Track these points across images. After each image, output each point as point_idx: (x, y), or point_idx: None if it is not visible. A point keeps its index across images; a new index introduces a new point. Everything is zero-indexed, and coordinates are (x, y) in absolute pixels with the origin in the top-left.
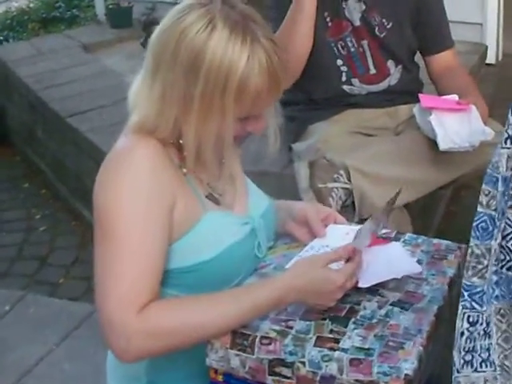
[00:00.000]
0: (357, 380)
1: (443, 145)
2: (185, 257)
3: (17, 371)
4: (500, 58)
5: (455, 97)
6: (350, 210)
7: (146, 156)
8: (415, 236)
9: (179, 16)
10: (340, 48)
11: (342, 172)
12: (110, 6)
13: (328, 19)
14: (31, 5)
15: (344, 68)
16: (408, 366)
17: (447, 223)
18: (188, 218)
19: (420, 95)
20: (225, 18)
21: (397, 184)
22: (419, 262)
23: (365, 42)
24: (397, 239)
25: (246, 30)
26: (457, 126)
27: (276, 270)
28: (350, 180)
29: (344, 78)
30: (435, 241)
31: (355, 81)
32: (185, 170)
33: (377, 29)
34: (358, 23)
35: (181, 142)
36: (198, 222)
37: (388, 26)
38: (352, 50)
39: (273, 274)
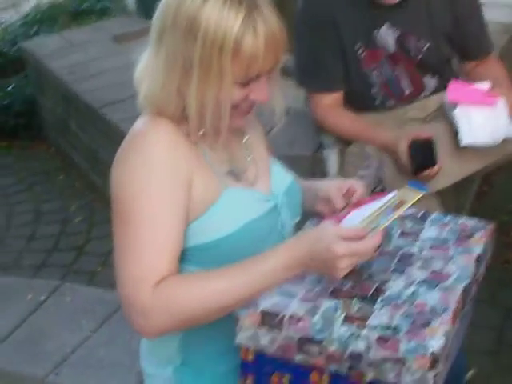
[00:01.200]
0: (384, 357)
1: (465, 140)
2: (205, 233)
3: (54, 359)
4: None
5: (486, 84)
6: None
7: (159, 136)
8: (442, 215)
9: None
10: (375, 77)
11: (372, 159)
12: None
13: (360, 51)
14: None
15: (378, 95)
16: (435, 344)
17: (479, 203)
18: (207, 195)
19: (449, 86)
20: None
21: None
22: (446, 241)
23: (401, 66)
24: (424, 218)
25: None
26: (482, 121)
27: None
28: (380, 168)
29: (378, 103)
30: (462, 219)
31: (390, 102)
32: (194, 139)
33: (413, 52)
34: (392, 49)
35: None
36: (218, 198)
37: (424, 48)
38: (387, 77)
39: None
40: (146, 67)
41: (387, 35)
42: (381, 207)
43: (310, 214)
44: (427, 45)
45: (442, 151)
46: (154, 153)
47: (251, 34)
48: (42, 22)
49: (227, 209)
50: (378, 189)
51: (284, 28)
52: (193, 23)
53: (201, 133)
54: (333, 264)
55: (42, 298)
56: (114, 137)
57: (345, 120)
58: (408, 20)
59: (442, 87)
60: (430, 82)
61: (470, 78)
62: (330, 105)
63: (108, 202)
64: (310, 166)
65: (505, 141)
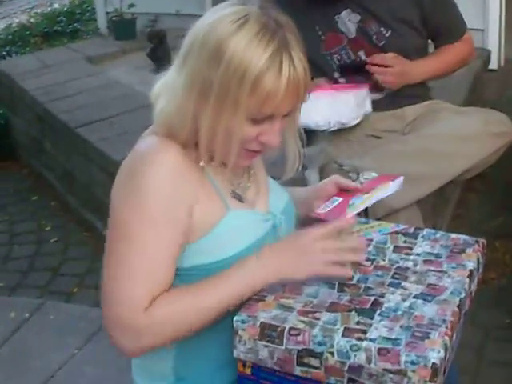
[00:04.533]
0: (385, 369)
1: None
2: (207, 254)
3: (40, 377)
4: (502, 63)
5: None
6: (362, 211)
7: (167, 159)
8: (433, 231)
9: (217, 8)
10: (336, 61)
11: (352, 175)
12: (114, 18)
13: (320, 33)
14: (32, 20)
15: (342, 80)
16: (435, 355)
17: (455, 225)
18: (210, 218)
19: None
20: (258, 17)
21: (408, 181)
22: (439, 255)
23: (362, 53)
24: (415, 235)
25: (276, 32)
26: (323, 105)
27: None
28: (361, 183)
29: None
30: (453, 235)
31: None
32: (202, 164)
33: (375, 37)
34: (353, 35)
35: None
36: (221, 220)
37: (387, 35)
38: (348, 61)
39: None
40: (166, 83)
41: (348, 20)
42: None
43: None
44: (389, 32)
45: (427, 156)
46: (158, 178)
47: (275, 72)
48: (13, 43)
49: (230, 232)
50: None
51: (309, 75)
52: (220, 48)
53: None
54: (308, 249)
55: (26, 315)
56: (91, 156)
57: None
58: (369, 7)
59: (411, 85)
60: None
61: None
62: None
63: (82, 223)
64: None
65: (487, 139)
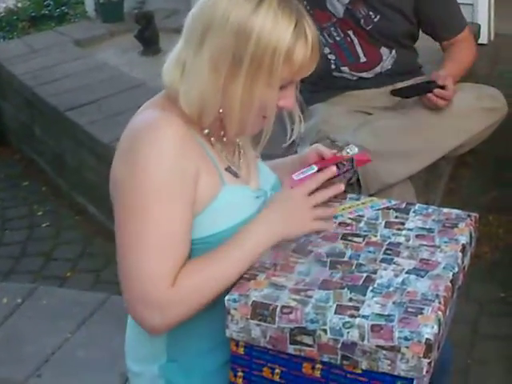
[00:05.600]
0: (378, 346)
1: None
2: (203, 228)
3: (34, 361)
4: (492, 37)
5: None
6: (356, 187)
7: (170, 131)
8: (425, 206)
9: None
10: (326, 36)
11: (335, 147)
12: (101, 1)
13: (308, 7)
14: (19, 4)
15: (332, 56)
16: (428, 331)
17: (448, 200)
18: (209, 191)
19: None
20: None
21: (401, 156)
22: (431, 230)
23: (351, 32)
24: (407, 210)
25: (290, 3)
26: None
27: (291, 241)
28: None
29: (333, 66)
30: (445, 210)
31: (345, 68)
32: (213, 139)
33: (362, 21)
34: (341, 15)
35: (220, 111)
36: (218, 195)
37: (375, 19)
38: (338, 38)
39: (288, 246)
40: (180, 64)
41: (336, 0)
42: None
43: None
44: (378, 17)
45: (420, 131)
46: (165, 147)
47: (303, 41)
48: (0, 28)
49: (226, 205)
50: (353, 179)
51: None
52: (246, 25)
53: (206, 131)
54: (296, 204)
55: (18, 301)
56: (81, 139)
57: None
58: None
59: (402, 63)
60: (388, 53)
61: (444, 57)
62: None
63: (74, 207)
64: None
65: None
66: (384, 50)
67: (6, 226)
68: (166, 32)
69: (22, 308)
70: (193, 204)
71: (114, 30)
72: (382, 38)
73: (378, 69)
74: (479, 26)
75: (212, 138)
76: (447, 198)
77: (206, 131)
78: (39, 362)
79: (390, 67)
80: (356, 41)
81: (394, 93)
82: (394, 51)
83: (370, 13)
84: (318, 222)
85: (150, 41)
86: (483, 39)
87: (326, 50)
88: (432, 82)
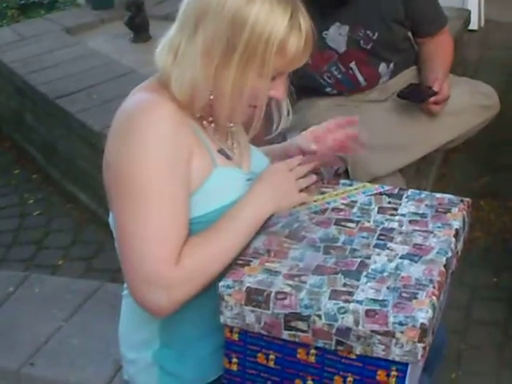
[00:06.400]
0: (373, 331)
1: None
2: (195, 208)
3: (27, 350)
4: (482, 23)
5: None
6: (343, 177)
7: (165, 111)
8: (418, 191)
9: None
10: (327, 78)
11: None
12: None
13: None
14: None
15: (334, 91)
16: (423, 315)
17: (440, 186)
18: (201, 173)
19: None
20: None
21: (392, 150)
22: (424, 215)
23: (353, 64)
24: (400, 195)
25: None
26: None
27: (284, 227)
28: None
29: (334, 97)
30: (438, 195)
31: (346, 93)
32: (205, 123)
33: (362, 42)
34: (344, 48)
35: (211, 97)
36: (210, 176)
37: (374, 37)
38: (339, 76)
39: (281, 232)
40: (173, 50)
41: (337, 34)
42: None
43: None
44: (376, 34)
45: (410, 125)
46: (160, 128)
47: (297, 32)
48: None
49: (217, 186)
50: (341, 169)
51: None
52: (242, 14)
53: (198, 115)
54: (281, 175)
55: (11, 289)
56: (72, 127)
57: None
58: (357, 13)
59: (399, 69)
60: (386, 69)
61: (421, 56)
62: None
63: (65, 195)
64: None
65: (471, 110)
66: (382, 67)
67: None
68: (156, 19)
69: (15, 296)
70: (189, 183)
71: (104, 17)
72: (382, 53)
73: (378, 86)
74: (469, 11)
75: (204, 122)
76: (439, 183)
77: (198, 115)
78: (32, 351)
79: (387, 79)
80: (357, 70)
81: (400, 95)
82: (391, 64)
83: (368, 32)
84: (303, 194)
85: (140, 28)
86: (473, 25)
87: (328, 89)
88: (430, 89)
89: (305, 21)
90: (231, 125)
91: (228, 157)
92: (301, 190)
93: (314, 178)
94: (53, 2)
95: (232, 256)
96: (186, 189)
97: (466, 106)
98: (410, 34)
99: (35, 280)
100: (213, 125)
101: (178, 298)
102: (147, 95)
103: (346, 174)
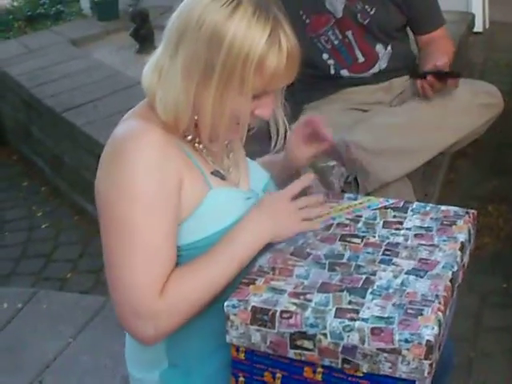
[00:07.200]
0: (379, 348)
1: None
2: (192, 233)
3: (36, 367)
4: (487, 25)
5: None
6: (353, 185)
7: (151, 140)
8: (423, 204)
9: None
10: (324, 42)
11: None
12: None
13: (304, 17)
14: (15, 3)
15: (331, 61)
16: (429, 332)
17: (447, 191)
18: (194, 197)
19: None
20: None
21: (398, 154)
22: (430, 229)
23: (349, 33)
24: (405, 209)
25: (269, 10)
26: None
27: (289, 244)
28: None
29: (332, 71)
30: (443, 207)
31: (344, 71)
32: (201, 146)
33: (359, 16)
34: (340, 14)
35: (195, 117)
36: (204, 199)
37: (371, 12)
38: (336, 42)
39: (286, 249)
40: (158, 69)
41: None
42: None
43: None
44: (374, 9)
45: (416, 129)
46: (147, 157)
47: (276, 50)
48: None
49: (213, 209)
50: (350, 178)
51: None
52: (220, 32)
53: (190, 137)
54: (281, 206)
55: (19, 306)
56: (78, 140)
57: None
58: None
59: (398, 58)
60: (383, 50)
61: (421, 53)
62: None
63: (73, 207)
64: None
65: (477, 111)
66: (379, 48)
67: (6, 228)
68: (161, 30)
69: (23, 313)
70: (177, 211)
71: (109, 28)
72: (378, 32)
73: (375, 68)
74: (473, 15)
75: (196, 144)
76: (446, 189)
77: (190, 137)
78: (41, 368)
79: (386, 65)
80: (353, 42)
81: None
82: (389, 47)
83: (366, 6)
84: (305, 223)
85: (145, 39)
86: (478, 27)
87: (325, 56)
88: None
89: (286, 38)
90: (226, 142)
91: (223, 178)
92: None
93: (317, 211)
94: (59, 13)
95: (221, 286)
96: (173, 217)
97: (469, 105)
98: (408, 30)
99: (43, 296)
100: (201, 145)
101: (165, 328)
102: (135, 122)
103: (356, 182)
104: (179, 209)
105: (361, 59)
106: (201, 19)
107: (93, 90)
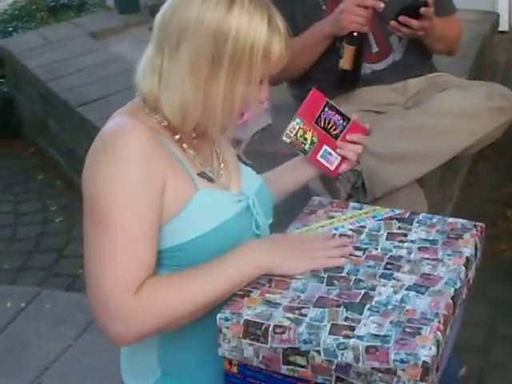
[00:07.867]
0: (373, 368)
1: None
2: (178, 235)
3: (36, 368)
4: None
5: None
6: (360, 191)
7: (137, 137)
8: (430, 216)
9: None
10: None
11: None
12: None
13: (321, 3)
14: None
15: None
16: (426, 353)
17: (466, 195)
18: (179, 198)
19: None
20: None
21: (409, 159)
22: (435, 242)
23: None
24: (410, 220)
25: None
26: None
27: None
28: (357, 161)
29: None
30: (450, 220)
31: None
32: (185, 145)
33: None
34: None
35: (204, 113)
36: (190, 200)
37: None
38: None
39: None
40: (156, 70)
41: None
42: None
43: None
44: None
45: (426, 133)
46: (132, 155)
47: (277, 36)
48: (19, 18)
49: (200, 211)
50: (358, 183)
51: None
52: (222, 27)
53: (177, 137)
54: (295, 245)
55: (22, 305)
56: (93, 135)
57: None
58: None
59: (413, 53)
60: (397, 42)
61: None
62: None
63: None
64: None
65: (489, 114)
66: (393, 39)
67: (19, 222)
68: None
69: (25, 313)
70: (159, 212)
71: (129, 21)
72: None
73: (389, 59)
74: (498, 14)
75: (184, 144)
76: (465, 192)
77: (177, 137)
78: (41, 370)
79: (401, 57)
80: (368, 30)
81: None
82: (403, 40)
83: None
84: (317, 261)
85: None
86: (504, 26)
87: (337, 43)
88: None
89: (281, 22)
90: (214, 144)
91: (210, 179)
92: None
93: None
94: (82, 4)
95: (206, 301)
96: (153, 217)
97: (482, 109)
98: None
99: (47, 296)
100: (186, 145)
101: (137, 329)
102: (124, 120)
103: (363, 188)
104: (162, 210)
105: (375, 49)
106: (200, 17)
107: (108, 85)
